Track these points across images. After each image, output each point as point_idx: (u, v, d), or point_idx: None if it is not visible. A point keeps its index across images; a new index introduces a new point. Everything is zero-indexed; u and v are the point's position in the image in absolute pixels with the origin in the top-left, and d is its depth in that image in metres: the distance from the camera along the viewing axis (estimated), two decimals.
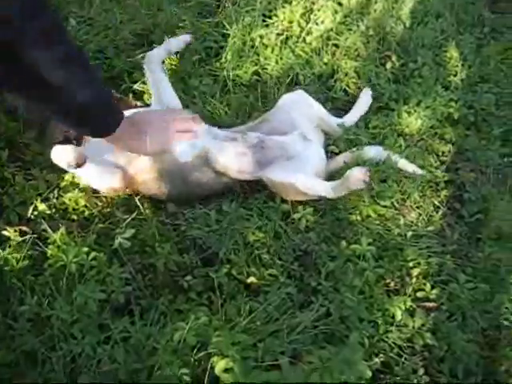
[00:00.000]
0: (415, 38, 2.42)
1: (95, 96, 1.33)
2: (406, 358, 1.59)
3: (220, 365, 1.35)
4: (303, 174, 1.85)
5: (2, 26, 1.07)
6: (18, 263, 1.58)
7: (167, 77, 1.99)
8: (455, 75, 2.36)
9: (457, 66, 2.40)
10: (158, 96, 1.96)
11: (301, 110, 1.99)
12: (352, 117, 2.13)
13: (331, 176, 1.96)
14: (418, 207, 1.97)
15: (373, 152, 1.99)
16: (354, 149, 2.00)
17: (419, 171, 1.99)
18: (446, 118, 2.21)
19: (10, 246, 1.63)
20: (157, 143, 1.59)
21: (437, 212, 1.97)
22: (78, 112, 1.32)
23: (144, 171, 1.85)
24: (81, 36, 2.18)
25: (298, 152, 1.92)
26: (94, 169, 1.83)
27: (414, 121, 2.14)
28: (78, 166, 1.74)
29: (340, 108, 2.22)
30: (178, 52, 2.14)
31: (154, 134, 1.58)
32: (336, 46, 2.35)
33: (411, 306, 1.69)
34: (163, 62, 2.04)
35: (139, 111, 1.72)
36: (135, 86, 2.09)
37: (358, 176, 1.79)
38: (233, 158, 1.85)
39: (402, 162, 1.99)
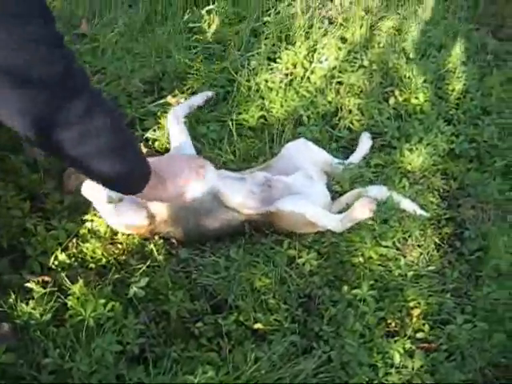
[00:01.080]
0: (417, 72, 2.48)
1: (125, 167, 1.45)
2: None
3: None
4: (312, 205, 1.95)
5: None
6: (41, 317, 1.71)
7: (187, 130, 2.13)
8: (457, 109, 2.42)
9: (459, 98, 2.46)
10: (177, 148, 2.08)
11: (304, 156, 2.08)
12: (354, 159, 2.21)
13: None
14: (419, 246, 2.04)
15: (375, 191, 2.07)
16: (357, 189, 2.09)
17: (421, 212, 2.06)
18: (447, 154, 2.28)
19: (33, 298, 1.77)
20: (172, 192, 1.75)
21: (437, 250, 2.04)
22: (106, 180, 1.46)
23: (161, 211, 1.96)
24: (94, 85, 2.30)
25: (302, 190, 2.01)
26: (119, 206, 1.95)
27: (415, 158, 2.22)
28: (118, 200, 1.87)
29: (344, 146, 2.31)
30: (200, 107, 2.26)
31: (169, 182, 1.71)
32: (340, 83, 2.43)
33: (410, 348, 1.78)
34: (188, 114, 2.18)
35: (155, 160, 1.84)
36: (147, 134, 2.20)
37: (365, 205, 1.91)
38: (241, 195, 1.96)
39: (405, 202, 2.07)
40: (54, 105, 1.21)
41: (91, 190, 1.91)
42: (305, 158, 2.08)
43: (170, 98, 2.26)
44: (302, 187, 2.00)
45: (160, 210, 1.95)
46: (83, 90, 1.28)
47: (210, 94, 2.27)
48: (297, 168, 2.06)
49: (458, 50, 2.64)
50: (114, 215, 1.97)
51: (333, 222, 1.94)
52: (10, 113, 1.19)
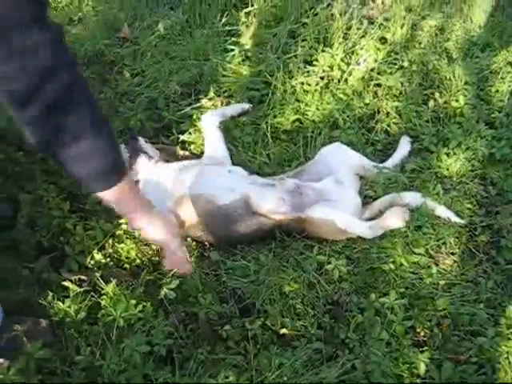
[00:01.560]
0: (458, 73, 2.42)
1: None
2: None
3: None
4: (342, 213, 1.95)
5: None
6: (75, 315, 1.78)
7: (222, 136, 2.16)
8: (500, 111, 2.35)
9: (502, 101, 2.38)
10: (210, 153, 2.13)
11: (338, 160, 2.08)
12: (390, 163, 2.18)
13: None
14: (452, 253, 2.00)
15: (409, 198, 2.05)
16: (391, 195, 2.06)
17: (457, 219, 2.02)
18: (487, 158, 2.22)
19: (69, 297, 1.84)
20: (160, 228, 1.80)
21: (472, 259, 2.00)
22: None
23: (190, 216, 2.01)
24: (134, 87, 2.37)
25: (332, 196, 2.01)
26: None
27: (453, 163, 2.17)
28: None
29: (380, 150, 2.28)
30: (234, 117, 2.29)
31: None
32: (378, 85, 2.40)
33: (438, 359, 1.75)
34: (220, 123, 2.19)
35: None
36: (183, 137, 2.24)
37: (398, 214, 1.90)
38: (272, 201, 1.98)
39: (439, 209, 2.03)
40: None
41: None
42: (339, 162, 2.08)
43: (205, 101, 2.29)
44: (332, 193, 2.00)
45: (189, 215, 1.99)
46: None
47: (246, 106, 2.29)
48: (330, 173, 2.06)
49: (503, 50, 2.55)
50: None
51: (363, 229, 1.93)
52: None
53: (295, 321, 1.81)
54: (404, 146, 2.25)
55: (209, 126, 2.14)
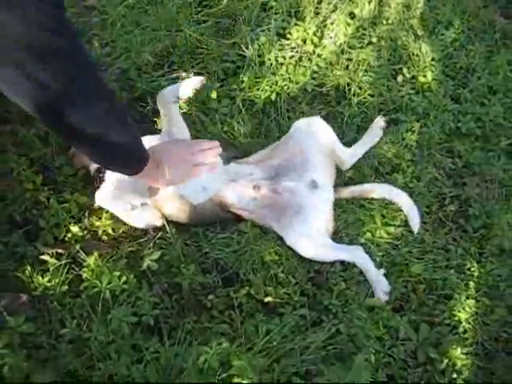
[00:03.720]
0: (425, 49, 2.49)
1: (127, 143, 1.47)
2: (409, 372, 1.75)
3: None
4: (313, 248, 1.95)
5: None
6: (57, 289, 1.75)
7: (179, 113, 2.12)
8: (464, 87, 2.44)
9: (466, 77, 2.48)
10: (169, 130, 2.08)
11: (311, 141, 2.07)
12: (361, 147, 2.19)
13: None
14: (424, 223, 2.09)
15: (380, 189, 2.11)
16: (364, 185, 2.12)
17: (415, 228, 2.05)
18: (454, 132, 2.31)
19: (48, 271, 1.81)
20: (176, 177, 1.73)
21: (442, 227, 2.09)
22: (111, 155, 1.48)
23: (167, 204, 2.01)
24: (104, 58, 2.30)
25: (305, 201, 2.00)
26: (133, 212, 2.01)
27: (422, 136, 2.25)
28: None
29: (356, 124, 2.30)
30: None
31: (174, 167, 1.71)
32: (349, 59, 2.44)
33: (415, 321, 1.84)
34: (177, 98, 2.12)
35: (157, 145, 1.80)
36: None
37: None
38: (245, 202, 1.99)
39: (406, 205, 2.08)
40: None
41: (110, 200, 1.99)
42: (314, 143, 2.08)
43: (181, 72, 2.26)
44: (305, 198, 2.00)
45: (165, 201, 2.00)
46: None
47: (199, 80, 2.19)
48: (305, 158, 2.05)
49: (465, 28, 2.64)
50: (137, 220, 2.02)
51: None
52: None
53: (279, 289, 1.85)
54: (376, 132, 2.24)
55: (164, 103, 2.08)
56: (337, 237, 2.01)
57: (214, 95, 2.21)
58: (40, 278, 1.78)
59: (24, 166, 2.03)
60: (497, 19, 2.74)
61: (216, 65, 2.30)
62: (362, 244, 1.98)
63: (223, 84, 2.30)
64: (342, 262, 1.94)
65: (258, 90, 2.28)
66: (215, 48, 2.32)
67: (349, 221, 2.05)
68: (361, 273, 1.92)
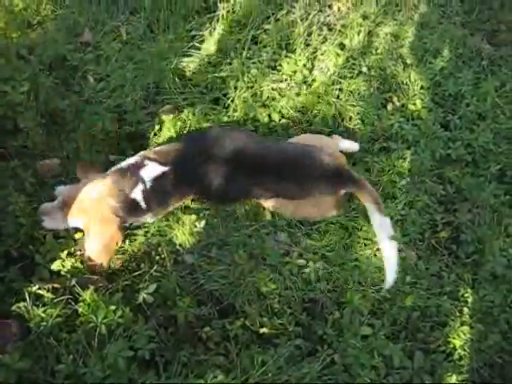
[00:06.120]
0: (414, 78, 2.54)
1: None
2: None
3: None
4: None
5: None
6: (52, 321, 1.75)
7: None
8: (454, 114, 2.48)
9: (455, 104, 2.52)
10: None
11: None
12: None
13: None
14: (417, 249, 2.11)
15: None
16: None
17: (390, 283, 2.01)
18: (444, 159, 2.34)
19: (44, 305, 1.81)
20: None
21: (435, 254, 2.11)
22: None
23: None
24: (98, 93, 2.35)
25: None
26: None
27: (413, 163, 2.28)
28: None
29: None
30: None
31: None
32: (340, 90, 2.48)
33: (410, 348, 1.85)
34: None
35: None
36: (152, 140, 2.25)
37: None
38: None
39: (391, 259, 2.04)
40: None
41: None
42: None
43: (167, 107, 2.32)
44: None
45: None
46: None
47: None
48: None
49: (453, 56, 2.70)
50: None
51: None
52: None
53: (274, 320, 1.86)
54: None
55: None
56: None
57: None
58: (36, 308, 1.78)
59: (20, 201, 2.05)
60: (483, 47, 2.81)
61: (207, 99, 2.35)
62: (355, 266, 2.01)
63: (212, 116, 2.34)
64: (337, 287, 1.96)
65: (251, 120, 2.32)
66: (206, 81, 2.37)
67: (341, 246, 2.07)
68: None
